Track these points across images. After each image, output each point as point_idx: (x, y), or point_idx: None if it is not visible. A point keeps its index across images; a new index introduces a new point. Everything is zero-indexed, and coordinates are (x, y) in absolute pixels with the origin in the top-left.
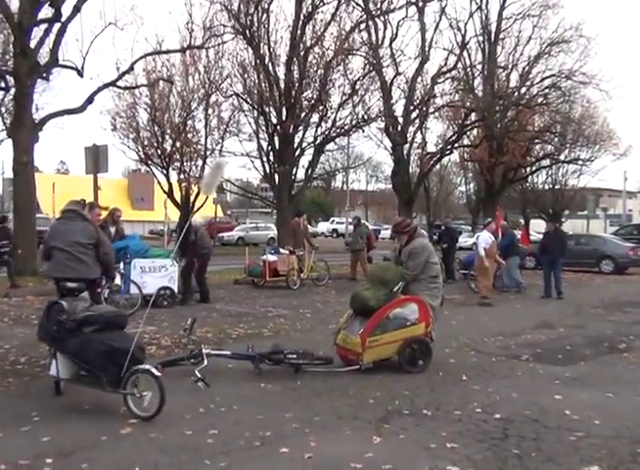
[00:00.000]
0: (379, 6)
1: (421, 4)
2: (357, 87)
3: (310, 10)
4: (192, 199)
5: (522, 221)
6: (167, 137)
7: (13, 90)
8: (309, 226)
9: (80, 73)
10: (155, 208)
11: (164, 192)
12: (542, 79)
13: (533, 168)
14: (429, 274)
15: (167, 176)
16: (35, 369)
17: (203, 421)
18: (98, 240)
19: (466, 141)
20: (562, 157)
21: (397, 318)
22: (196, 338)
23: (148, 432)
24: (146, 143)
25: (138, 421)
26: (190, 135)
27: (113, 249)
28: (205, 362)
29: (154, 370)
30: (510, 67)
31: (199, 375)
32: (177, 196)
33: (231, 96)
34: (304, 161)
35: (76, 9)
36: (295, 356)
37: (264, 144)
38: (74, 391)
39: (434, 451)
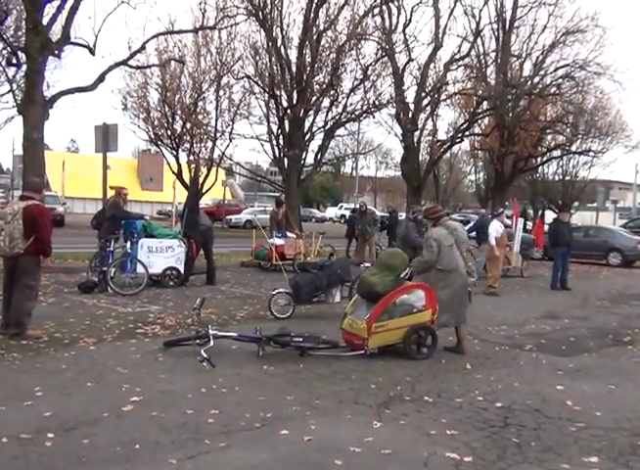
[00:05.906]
0: None
1: None
2: (369, 72)
3: None
4: (200, 181)
5: (530, 212)
6: (178, 118)
7: (24, 67)
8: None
9: (92, 51)
10: (164, 188)
11: (174, 173)
12: (556, 69)
13: (544, 159)
14: (436, 267)
15: (177, 157)
16: (40, 345)
17: (204, 401)
18: None
19: (477, 129)
20: (573, 148)
21: (404, 305)
22: (202, 318)
23: (149, 410)
24: (156, 123)
25: (140, 399)
26: (200, 117)
27: None
28: (212, 343)
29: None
30: (524, 55)
31: (205, 355)
32: (186, 177)
33: (242, 78)
34: (314, 145)
35: None
36: (301, 340)
37: (274, 127)
38: (78, 367)
39: (433, 438)
